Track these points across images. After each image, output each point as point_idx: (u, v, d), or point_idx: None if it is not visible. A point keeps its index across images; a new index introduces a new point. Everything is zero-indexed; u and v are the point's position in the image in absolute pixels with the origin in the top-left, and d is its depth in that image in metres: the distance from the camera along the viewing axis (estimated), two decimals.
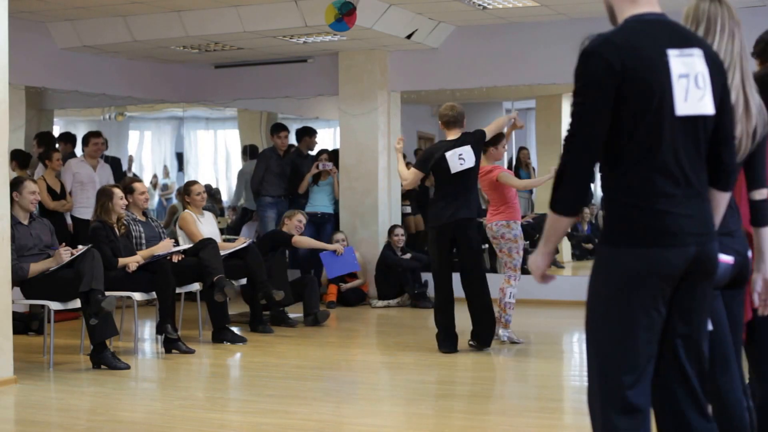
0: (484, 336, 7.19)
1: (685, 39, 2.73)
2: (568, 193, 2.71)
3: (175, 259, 7.66)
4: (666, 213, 2.66)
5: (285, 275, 8.88)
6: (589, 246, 12.40)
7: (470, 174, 7.15)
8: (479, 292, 7.11)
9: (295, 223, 9.25)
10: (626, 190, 2.68)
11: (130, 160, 12.12)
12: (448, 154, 7.06)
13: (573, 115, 2.68)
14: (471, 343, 7.23)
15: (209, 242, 7.93)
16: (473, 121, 12.53)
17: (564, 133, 2.71)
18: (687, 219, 2.68)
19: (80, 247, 6.88)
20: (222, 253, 8.09)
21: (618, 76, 2.61)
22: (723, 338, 3.10)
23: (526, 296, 10.30)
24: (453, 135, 7.20)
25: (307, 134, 11.43)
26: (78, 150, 10.31)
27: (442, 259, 7.10)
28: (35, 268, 6.70)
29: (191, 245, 8.03)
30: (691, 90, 2.67)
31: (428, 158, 7.15)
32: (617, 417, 2.67)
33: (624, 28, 2.71)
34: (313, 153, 11.32)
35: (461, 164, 7.07)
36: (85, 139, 9.99)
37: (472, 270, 7.14)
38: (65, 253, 6.70)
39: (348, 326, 9.20)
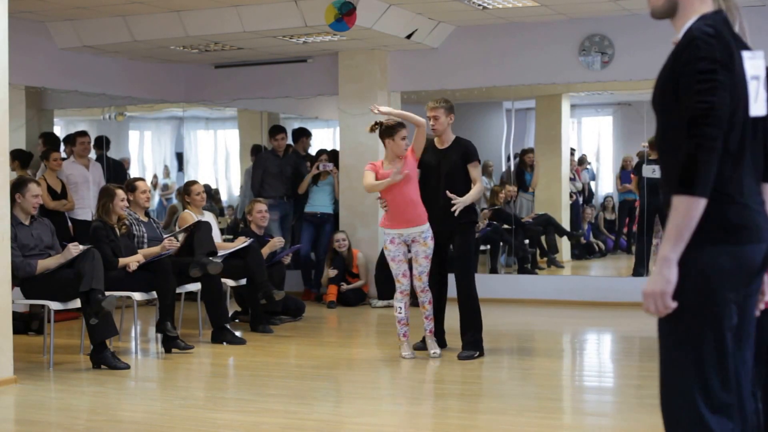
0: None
1: (744, 41, 2.76)
2: (707, 171, 2.55)
3: (167, 244, 7.59)
4: (750, 208, 2.68)
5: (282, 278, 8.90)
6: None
7: None
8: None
9: (256, 215, 8.94)
10: (717, 186, 2.63)
11: (127, 163, 12.09)
12: None
13: (705, 91, 2.57)
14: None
15: (202, 224, 7.98)
16: (473, 121, 12.59)
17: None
18: (762, 216, 2.71)
19: (81, 247, 6.89)
20: (222, 252, 8.11)
21: (732, 66, 2.62)
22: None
23: (526, 296, 10.32)
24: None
25: (303, 135, 11.45)
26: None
27: None
28: (44, 263, 6.70)
29: (185, 227, 8.07)
30: (760, 92, 2.72)
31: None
32: (712, 417, 2.66)
33: (717, 23, 2.68)
34: (309, 153, 11.33)
35: None
36: (72, 140, 10.02)
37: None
38: (75, 249, 6.71)
39: (348, 326, 9.20)
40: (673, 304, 2.63)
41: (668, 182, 2.75)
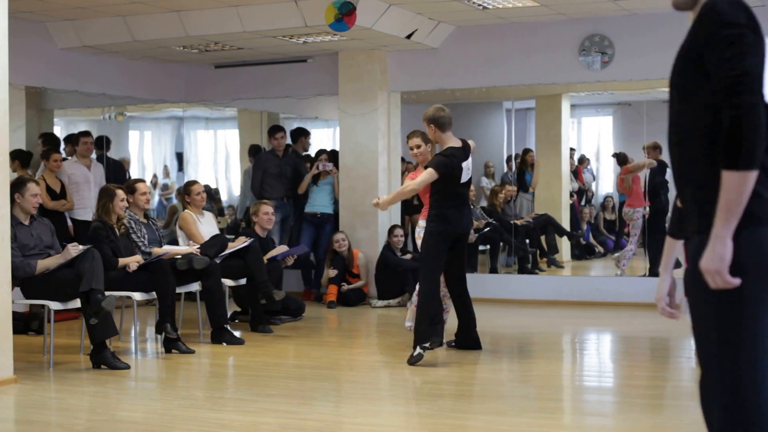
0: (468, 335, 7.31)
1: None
2: (753, 142, 2.41)
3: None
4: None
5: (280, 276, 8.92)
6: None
7: (469, 185, 7.19)
8: (467, 293, 7.25)
9: (262, 217, 8.98)
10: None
11: (127, 163, 12.07)
12: (464, 164, 6.95)
13: (734, 57, 2.45)
14: (452, 343, 7.32)
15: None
16: (473, 121, 12.60)
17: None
18: None
19: (81, 247, 6.89)
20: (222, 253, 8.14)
21: (760, 33, 2.54)
22: None
23: (526, 296, 10.32)
24: (452, 140, 7.00)
25: (302, 134, 11.45)
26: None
27: (441, 260, 7.02)
28: (43, 264, 6.71)
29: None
30: None
31: (448, 165, 6.87)
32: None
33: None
34: (309, 153, 11.33)
35: (467, 175, 7.03)
36: (75, 140, 10.02)
37: (461, 272, 7.22)
38: (74, 249, 6.71)
39: (348, 326, 9.21)
40: (735, 280, 2.49)
41: (679, 173, 2.67)
